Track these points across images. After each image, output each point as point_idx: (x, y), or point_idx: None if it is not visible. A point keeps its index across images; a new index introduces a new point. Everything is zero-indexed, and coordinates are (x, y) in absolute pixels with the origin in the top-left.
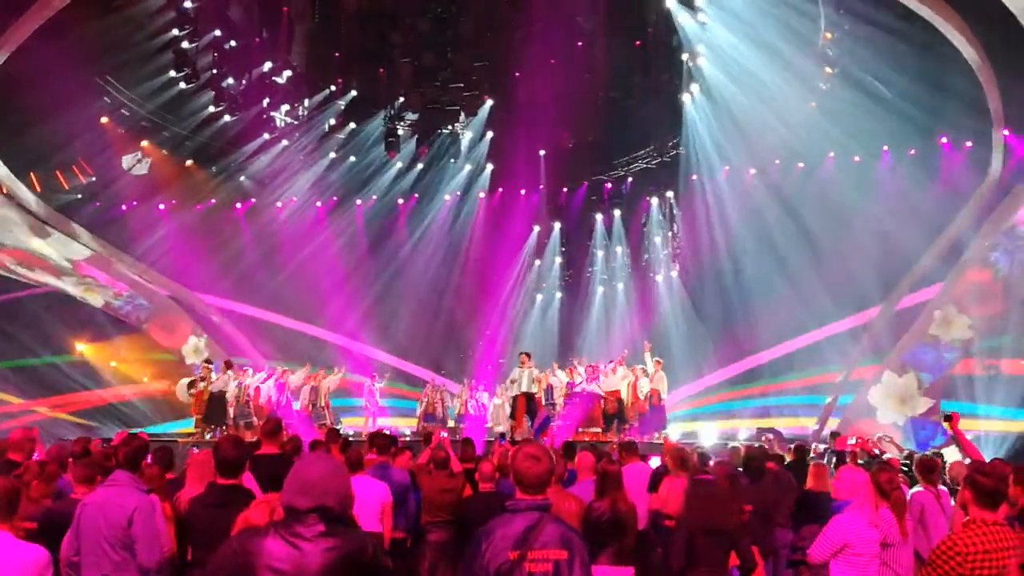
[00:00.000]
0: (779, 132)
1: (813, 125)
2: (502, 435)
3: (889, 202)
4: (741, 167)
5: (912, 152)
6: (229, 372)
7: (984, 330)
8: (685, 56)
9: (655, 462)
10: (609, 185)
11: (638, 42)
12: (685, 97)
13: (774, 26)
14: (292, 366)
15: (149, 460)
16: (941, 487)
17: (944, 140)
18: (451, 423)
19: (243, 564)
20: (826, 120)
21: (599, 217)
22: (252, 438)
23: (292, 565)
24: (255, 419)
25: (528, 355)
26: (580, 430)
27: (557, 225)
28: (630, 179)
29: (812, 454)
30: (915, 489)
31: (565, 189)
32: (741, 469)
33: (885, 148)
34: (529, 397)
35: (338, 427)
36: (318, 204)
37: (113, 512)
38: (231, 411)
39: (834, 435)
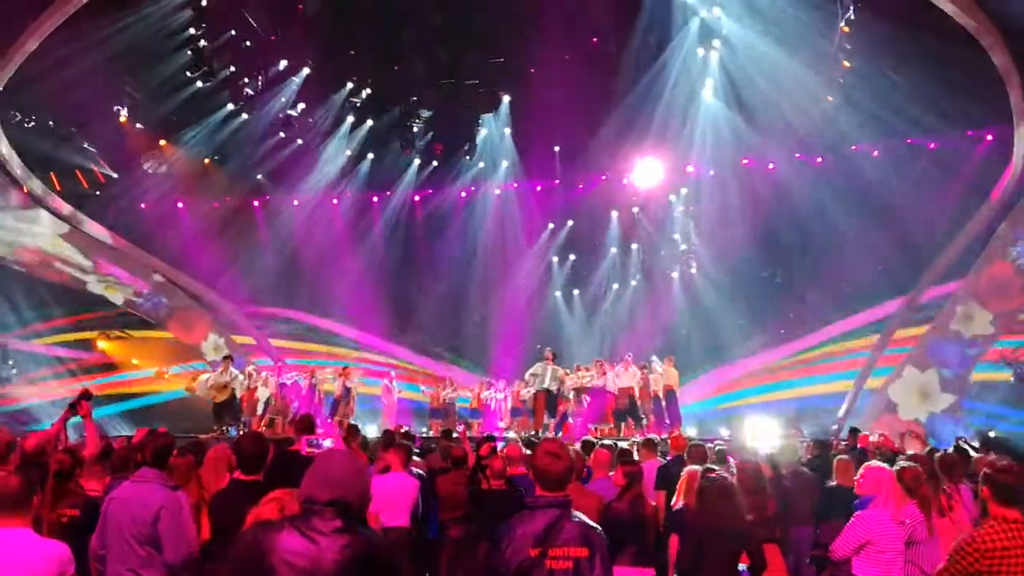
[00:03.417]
0: (799, 126)
1: (832, 119)
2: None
3: (910, 196)
4: (760, 161)
5: (933, 146)
6: (249, 371)
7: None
8: (701, 50)
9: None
10: (624, 181)
11: (652, 37)
12: (702, 92)
13: (790, 19)
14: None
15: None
16: (963, 484)
17: (966, 134)
18: (467, 420)
19: (258, 558)
20: (845, 114)
21: (615, 214)
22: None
23: (308, 560)
24: (278, 418)
25: (553, 353)
26: (593, 427)
27: (571, 222)
28: (647, 174)
29: (834, 450)
30: None
31: (581, 185)
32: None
33: (908, 140)
34: (549, 394)
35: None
36: (334, 201)
37: (139, 509)
38: (265, 408)
39: (854, 432)
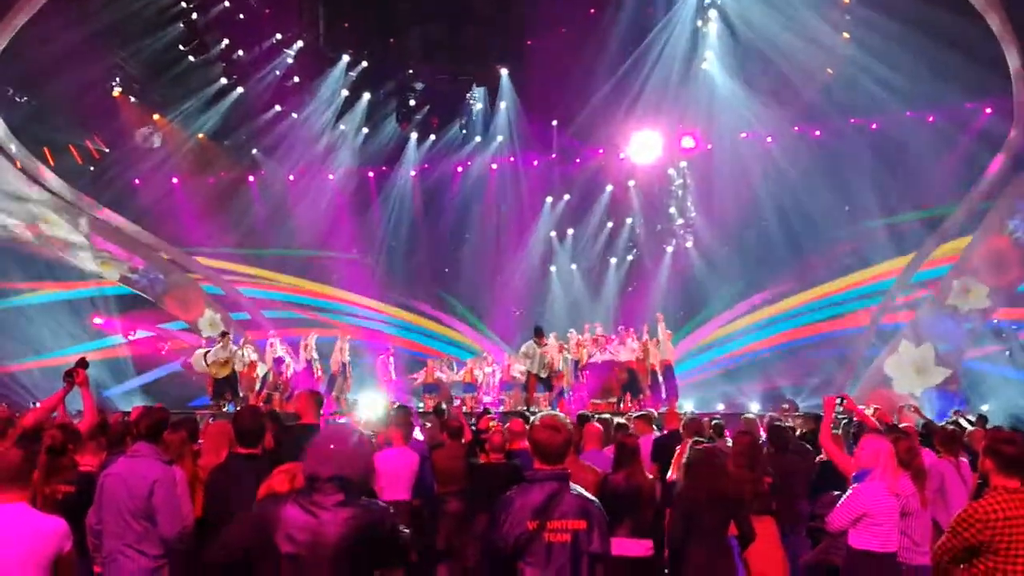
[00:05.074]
0: (797, 99)
1: (831, 92)
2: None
3: (909, 169)
4: (758, 134)
5: (931, 119)
6: (240, 344)
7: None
8: (699, 22)
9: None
10: (621, 155)
11: (650, 9)
12: (701, 64)
13: None
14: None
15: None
16: (961, 457)
17: (965, 106)
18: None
19: (263, 532)
20: (843, 87)
21: (609, 188)
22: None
23: (310, 534)
24: (275, 393)
25: (541, 334)
26: (594, 400)
27: (568, 196)
28: (644, 147)
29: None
30: (935, 458)
31: (578, 159)
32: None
33: (908, 113)
34: (539, 376)
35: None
36: (330, 176)
37: (134, 483)
38: (263, 383)
39: (841, 400)
